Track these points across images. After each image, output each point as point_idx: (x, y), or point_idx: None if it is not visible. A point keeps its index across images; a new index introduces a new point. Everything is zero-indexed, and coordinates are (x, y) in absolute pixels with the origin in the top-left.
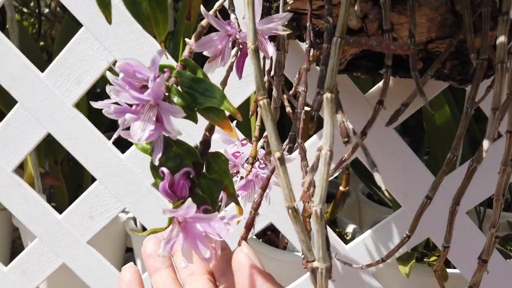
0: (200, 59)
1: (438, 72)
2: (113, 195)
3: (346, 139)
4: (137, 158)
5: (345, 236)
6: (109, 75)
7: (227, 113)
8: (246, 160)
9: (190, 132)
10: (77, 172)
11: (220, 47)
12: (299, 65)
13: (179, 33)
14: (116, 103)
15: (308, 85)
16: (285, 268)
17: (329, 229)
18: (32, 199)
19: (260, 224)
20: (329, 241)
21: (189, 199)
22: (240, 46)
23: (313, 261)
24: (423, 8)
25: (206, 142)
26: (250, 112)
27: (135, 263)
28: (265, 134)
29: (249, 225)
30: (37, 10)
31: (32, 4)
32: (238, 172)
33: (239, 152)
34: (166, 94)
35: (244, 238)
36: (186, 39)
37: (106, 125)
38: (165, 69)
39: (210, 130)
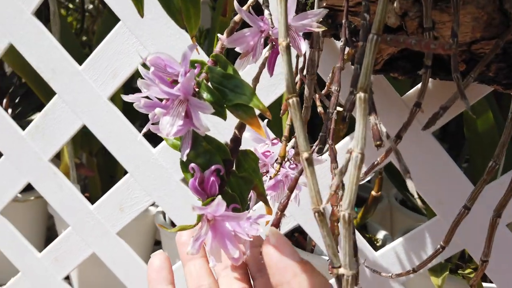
0: (232, 56)
1: (482, 75)
2: (143, 188)
3: (378, 143)
4: (167, 153)
5: (375, 242)
6: (141, 69)
7: (257, 111)
8: (276, 159)
9: (220, 129)
10: (111, 164)
11: (252, 43)
12: (334, 64)
13: (214, 30)
14: (147, 97)
15: (341, 85)
16: None
17: (358, 234)
18: (67, 188)
19: (287, 226)
20: (357, 247)
21: (219, 197)
22: (273, 43)
23: (339, 267)
24: (468, 6)
25: (236, 139)
26: (281, 111)
27: None
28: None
29: (275, 226)
30: (81, 6)
31: (77, 0)
32: (267, 171)
33: (269, 152)
34: (196, 89)
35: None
36: (218, 35)
37: (141, 119)
38: (196, 65)
39: (240, 127)
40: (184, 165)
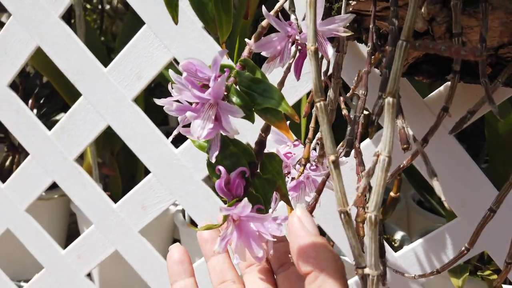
0: (257, 59)
1: (508, 79)
2: (165, 187)
3: (405, 146)
4: (189, 154)
5: (393, 243)
6: (171, 73)
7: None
8: (298, 161)
9: (241, 130)
10: (131, 163)
11: (279, 47)
12: (356, 67)
13: (235, 32)
14: (177, 101)
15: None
16: None
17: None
18: (91, 187)
19: None
20: (384, 248)
21: (245, 199)
22: (299, 47)
23: (364, 267)
24: (497, 11)
25: (261, 142)
26: (303, 113)
27: None
28: (317, 135)
29: None
30: (100, 7)
31: (95, 0)
32: (289, 172)
33: (291, 153)
34: (225, 93)
35: None
36: (246, 40)
37: (160, 121)
38: (225, 69)
39: (266, 130)
40: (211, 167)
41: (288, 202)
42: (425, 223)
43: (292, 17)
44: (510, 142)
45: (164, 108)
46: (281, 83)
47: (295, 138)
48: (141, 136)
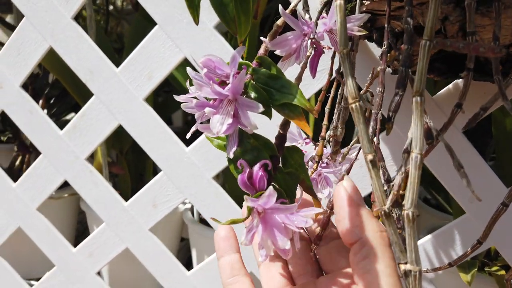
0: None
1: None
2: (175, 185)
3: (429, 141)
4: (200, 152)
5: None
6: (189, 70)
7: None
8: (312, 158)
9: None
10: (140, 162)
11: (294, 46)
12: (366, 64)
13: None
14: (194, 97)
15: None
16: None
17: None
18: (102, 186)
19: None
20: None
21: (270, 187)
22: (314, 46)
23: (406, 263)
24: (509, 10)
25: (281, 136)
26: (315, 112)
27: (190, 253)
28: (328, 133)
29: (325, 224)
30: (105, 8)
31: (98, 1)
32: None
33: (302, 151)
34: (243, 89)
35: (319, 237)
36: (262, 38)
37: (164, 120)
38: (242, 66)
39: (285, 125)
40: (232, 162)
41: (313, 195)
42: (431, 220)
43: (306, 16)
44: None
45: (181, 105)
46: (299, 78)
47: (304, 136)
48: (152, 135)
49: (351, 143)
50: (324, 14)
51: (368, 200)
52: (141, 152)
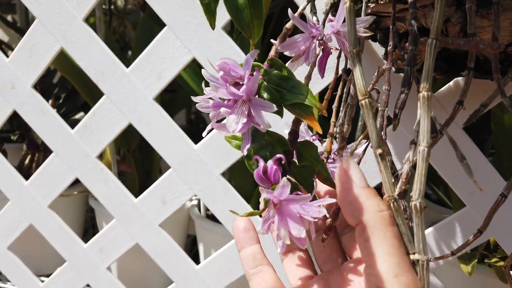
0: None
1: None
2: (184, 182)
3: (433, 134)
4: (208, 149)
5: None
6: (204, 72)
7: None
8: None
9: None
10: (147, 160)
11: (303, 48)
12: (369, 64)
13: None
14: (209, 98)
15: (380, 84)
16: None
17: None
18: (112, 183)
19: None
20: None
21: (284, 179)
22: (322, 47)
23: (414, 253)
24: (507, 12)
25: (294, 132)
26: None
27: (197, 249)
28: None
29: (335, 218)
30: (107, 7)
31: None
32: None
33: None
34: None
35: (329, 227)
36: (272, 40)
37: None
38: (255, 68)
39: (297, 122)
40: (248, 159)
41: (332, 186)
42: (431, 214)
43: (314, 18)
44: None
45: (197, 105)
46: (308, 77)
47: (311, 133)
48: (161, 133)
49: (359, 139)
50: (330, 16)
51: None
52: (148, 150)
